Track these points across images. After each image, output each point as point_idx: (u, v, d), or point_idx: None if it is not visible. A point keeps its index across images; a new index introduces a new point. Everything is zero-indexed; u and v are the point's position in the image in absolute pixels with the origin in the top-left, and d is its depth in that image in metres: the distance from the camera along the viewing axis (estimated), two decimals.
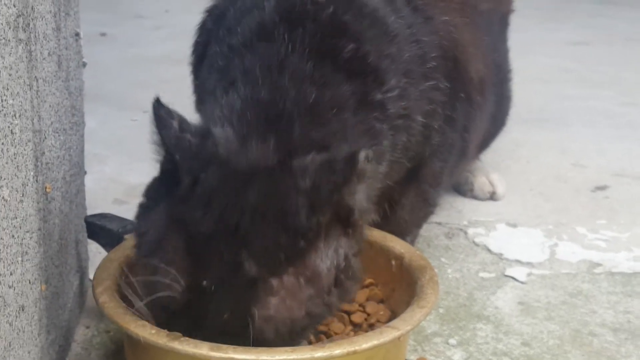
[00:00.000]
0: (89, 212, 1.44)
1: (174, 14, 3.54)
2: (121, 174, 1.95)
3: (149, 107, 2.42)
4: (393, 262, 1.27)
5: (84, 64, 1.34)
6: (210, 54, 1.36)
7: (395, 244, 1.29)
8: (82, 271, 1.37)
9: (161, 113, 1.09)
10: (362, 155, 1.01)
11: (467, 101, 1.45)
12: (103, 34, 3.16)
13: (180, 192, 1.04)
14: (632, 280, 1.57)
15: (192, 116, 1.23)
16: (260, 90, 1.12)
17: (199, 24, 1.52)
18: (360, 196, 1.05)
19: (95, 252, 1.46)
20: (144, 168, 1.95)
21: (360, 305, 1.25)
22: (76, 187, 1.31)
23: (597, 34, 3.64)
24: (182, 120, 1.08)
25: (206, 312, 0.98)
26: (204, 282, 0.97)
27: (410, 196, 1.44)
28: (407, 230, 1.46)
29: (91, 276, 1.43)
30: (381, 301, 1.27)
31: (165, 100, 2.32)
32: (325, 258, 1.02)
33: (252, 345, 0.97)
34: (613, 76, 2.99)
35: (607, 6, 4.25)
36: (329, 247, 1.03)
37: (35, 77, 1.00)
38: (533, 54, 2.98)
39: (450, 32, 1.42)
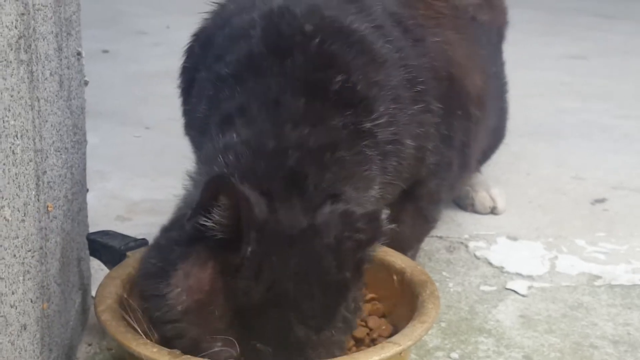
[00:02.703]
0: (91, 229, 1.45)
1: (175, 30, 3.55)
2: (123, 190, 1.96)
3: (150, 123, 2.46)
4: (394, 277, 1.28)
5: (86, 83, 1.35)
6: (198, 79, 1.38)
7: (396, 258, 1.30)
8: (84, 289, 1.37)
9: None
10: (383, 215, 1.07)
11: (465, 117, 1.46)
12: (105, 51, 3.18)
13: (234, 261, 1.02)
14: (632, 292, 1.57)
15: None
16: (261, 137, 1.14)
17: (187, 47, 1.52)
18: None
19: (97, 269, 1.47)
20: (146, 184, 1.99)
21: (362, 320, 1.25)
22: (78, 204, 1.32)
23: (592, 47, 3.65)
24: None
25: None
26: (258, 345, 1.00)
27: (409, 213, 1.45)
28: (408, 246, 1.47)
29: (93, 293, 1.44)
30: (383, 316, 1.28)
31: (165, 114, 2.34)
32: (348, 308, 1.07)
33: None
34: (608, 89, 3.01)
35: (602, 19, 4.27)
36: (352, 299, 1.08)
37: (37, 97, 1.01)
38: (529, 67, 2.99)
39: (444, 51, 1.43)
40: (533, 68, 3.11)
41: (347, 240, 1.06)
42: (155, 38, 3.42)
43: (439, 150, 1.40)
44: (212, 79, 1.28)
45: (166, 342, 1.04)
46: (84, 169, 1.37)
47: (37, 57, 1.00)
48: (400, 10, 1.42)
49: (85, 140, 1.37)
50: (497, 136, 1.86)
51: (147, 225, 1.77)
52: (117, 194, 1.94)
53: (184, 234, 1.07)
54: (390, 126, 1.25)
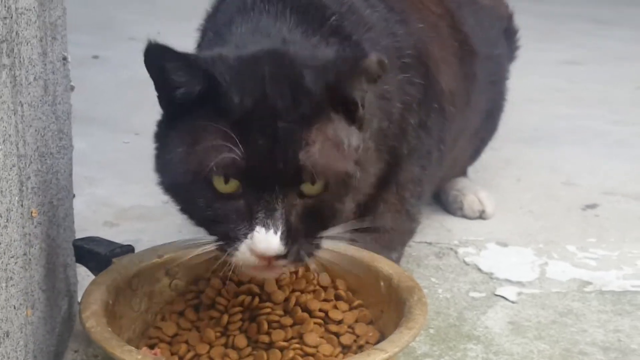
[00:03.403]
0: (79, 235, 1.44)
1: (165, 36, 3.49)
2: (112, 196, 1.95)
3: (140, 129, 2.45)
4: (382, 283, 1.27)
5: (72, 88, 1.34)
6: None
7: (384, 264, 1.29)
8: (70, 295, 1.37)
9: (159, 48, 1.13)
10: (374, 56, 1.11)
11: (440, 112, 1.51)
12: (95, 57, 3.17)
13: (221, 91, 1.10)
14: (622, 298, 1.57)
15: None
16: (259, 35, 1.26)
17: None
18: (368, 97, 1.18)
19: (85, 276, 1.46)
20: (136, 190, 1.98)
21: (349, 326, 1.24)
22: (64, 210, 1.31)
23: (588, 54, 3.66)
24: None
25: (264, 169, 1.07)
26: (259, 142, 1.06)
27: (392, 206, 1.45)
28: (391, 244, 1.47)
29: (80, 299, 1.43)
30: (370, 322, 1.27)
31: (155, 121, 2.34)
32: (340, 131, 1.12)
33: (307, 200, 1.09)
34: (603, 95, 3.01)
35: (598, 25, 4.27)
36: (340, 125, 1.13)
37: (20, 102, 1.00)
38: (525, 73, 2.95)
39: (424, 42, 1.49)
40: (529, 74, 3.09)
41: (332, 70, 1.12)
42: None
43: (418, 134, 1.46)
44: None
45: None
46: (70, 175, 1.36)
47: (20, 61, 0.99)
48: None
49: (72, 146, 1.36)
50: (489, 127, 1.91)
51: (135, 231, 1.77)
52: (106, 200, 1.93)
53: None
54: (382, 83, 1.29)
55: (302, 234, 1.10)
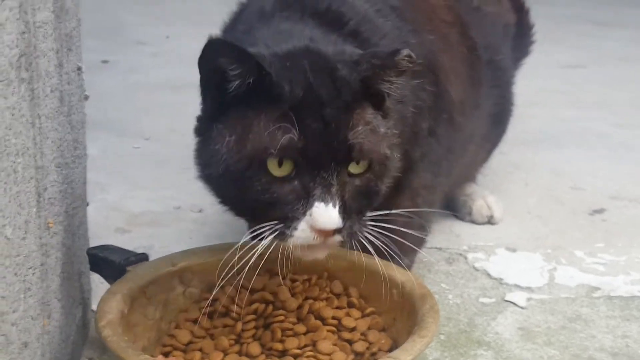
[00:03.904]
0: (91, 241, 1.45)
1: (174, 40, 3.57)
2: (123, 202, 1.96)
3: (150, 134, 2.47)
4: (394, 291, 1.28)
5: (86, 97, 1.35)
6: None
7: (396, 272, 1.30)
8: (84, 303, 1.38)
9: (219, 42, 1.19)
10: (405, 51, 1.19)
11: (450, 122, 1.53)
12: (105, 62, 3.18)
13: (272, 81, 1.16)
14: (630, 304, 1.58)
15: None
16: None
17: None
18: (395, 89, 1.24)
19: (98, 283, 1.47)
20: (146, 195, 1.99)
21: (362, 334, 1.25)
22: (79, 219, 1.32)
23: (590, 56, 3.66)
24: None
25: (320, 148, 1.14)
26: (312, 125, 1.14)
27: (404, 208, 1.46)
28: (403, 249, 1.48)
29: (94, 307, 1.44)
30: (383, 330, 1.28)
31: (165, 125, 2.35)
32: (373, 119, 1.21)
33: (355, 179, 1.18)
34: (605, 98, 3.02)
35: (599, 27, 4.28)
36: (372, 113, 1.22)
37: (38, 114, 1.01)
38: (528, 77, 2.96)
39: (434, 52, 1.51)
40: (532, 77, 3.09)
41: (367, 64, 1.20)
42: (155, 48, 3.43)
43: (429, 141, 1.49)
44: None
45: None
46: (84, 183, 1.38)
47: (37, 74, 1.01)
48: (399, 4, 1.51)
49: (86, 155, 1.37)
50: (498, 130, 1.93)
51: (147, 237, 1.78)
52: (117, 205, 1.94)
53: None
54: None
55: (354, 209, 1.18)
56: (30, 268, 0.98)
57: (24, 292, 0.94)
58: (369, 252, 1.23)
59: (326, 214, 1.13)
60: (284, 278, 1.30)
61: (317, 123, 1.15)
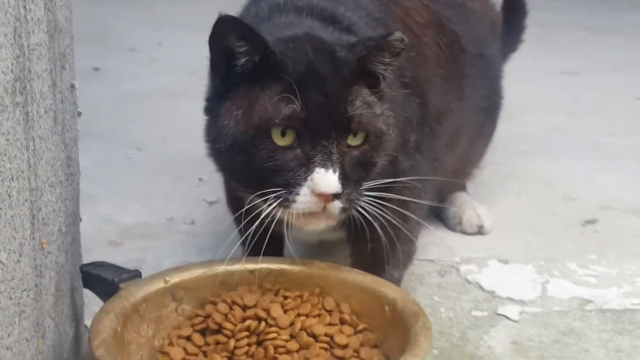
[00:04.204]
0: (84, 254, 1.45)
1: (166, 47, 3.56)
2: (116, 214, 1.96)
3: (142, 144, 2.46)
4: (386, 308, 1.28)
5: (79, 114, 1.35)
6: None
7: (388, 289, 1.31)
8: (77, 319, 1.38)
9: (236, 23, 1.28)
10: (398, 33, 1.30)
11: (431, 133, 1.57)
12: (96, 69, 3.17)
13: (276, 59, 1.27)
14: (622, 317, 1.58)
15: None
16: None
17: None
18: (388, 71, 1.34)
19: (91, 298, 1.46)
20: (138, 207, 1.99)
21: (354, 351, 1.26)
22: (72, 235, 1.32)
23: (584, 63, 3.66)
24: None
25: (321, 118, 1.24)
26: (314, 97, 1.24)
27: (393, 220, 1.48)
28: (393, 261, 1.48)
29: (87, 322, 1.44)
30: (375, 346, 1.28)
31: (157, 134, 2.34)
32: (369, 97, 1.31)
33: (353, 150, 1.28)
34: (599, 106, 3.02)
35: (595, 34, 4.28)
36: (368, 92, 1.31)
37: (32, 136, 1.02)
38: (521, 83, 2.97)
39: (416, 65, 1.55)
40: (525, 84, 3.11)
41: (362, 46, 1.30)
42: (147, 55, 3.42)
43: (415, 155, 1.52)
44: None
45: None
46: (77, 199, 1.37)
47: (32, 97, 1.01)
48: (382, 15, 1.57)
49: (79, 171, 1.37)
50: (489, 124, 1.96)
51: (139, 250, 1.78)
52: (109, 218, 1.94)
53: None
54: (389, 87, 1.41)
55: (352, 178, 1.27)
56: (25, 290, 0.98)
57: (18, 315, 0.94)
58: (362, 229, 1.32)
59: (326, 178, 1.23)
60: (276, 294, 1.31)
61: (318, 96, 1.25)
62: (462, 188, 1.99)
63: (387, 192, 1.36)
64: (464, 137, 1.82)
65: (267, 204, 1.26)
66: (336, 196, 1.24)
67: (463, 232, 1.91)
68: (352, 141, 1.28)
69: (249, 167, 1.27)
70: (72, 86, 1.29)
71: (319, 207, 1.25)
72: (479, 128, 1.90)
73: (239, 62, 1.27)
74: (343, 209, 1.27)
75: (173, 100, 2.74)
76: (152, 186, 2.12)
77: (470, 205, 1.94)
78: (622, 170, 2.35)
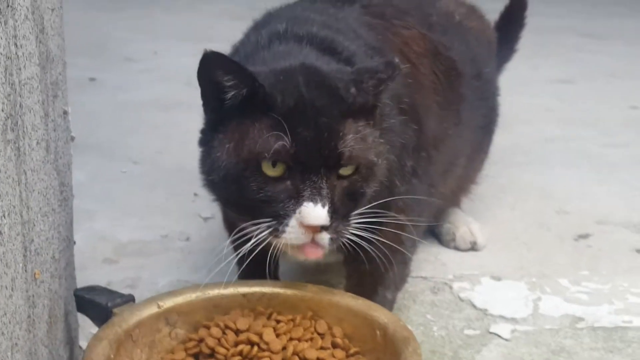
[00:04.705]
0: (78, 272, 1.45)
1: (162, 56, 3.57)
2: (111, 230, 1.97)
3: (138, 157, 2.47)
4: (378, 332, 1.29)
5: (72, 138, 1.36)
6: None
7: (380, 313, 1.32)
8: (72, 342, 1.38)
9: (215, 55, 1.27)
10: (394, 60, 1.34)
11: (428, 159, 1.59)
12: (92, 79, 3.18)
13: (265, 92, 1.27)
14: (613, 335, 1.59)
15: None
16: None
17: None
18: (384, 99, 1.37)
19: (86, 319, 1.47)
20: (134, 224, 2.00)
21: None
22: (65, 260, 1.33)
23: (580, 71, 3.68)
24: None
25: (310, 155, 1.25)
26: (304, 133, 1.25)
27: (388, 243, 1.49)
28: (386, 283, 1.49)
29: (82, 343, 1.45)
30: None
31: (153, 148, 2.35)
32: (363, 128, 1.31)
33: (343, 181, 1.29)
34: (595, 115, 3.03)
35: (590, 40, 4.29)
36: (363, 123, 1.32)
37: (24, 170, 1.02)
38: (517, 93, 2.98)
39: (413, 92, 1.57)
40: (521, 93, 3.13)
41: (369, 79, 1.31)
42: (143, 64, 3.43)
43: (413, 182, 1.54)
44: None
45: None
46: (71, 223, 1.38)
47: (23, 131, 1.02)
48: (379, 44, 1.58)
49: (72, 195, 1.38)
50: (486, 137, 1.97)
51: (134, 268, 1.79)
52: (104, 234, 1.95)
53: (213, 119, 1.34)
54: (387, 117, 1.44)
55: (341, 212, 1.28)
56: (17, 323, 0.99)
57: (10, 349, 0.95)
58: (357, 251, 1.35)
59: (314, 212, 1.24)
60: (269, 317, 1.33)
61: (308, 131, 1.25)
62: (456, 204, 2.00)
63: (381, 216, 1.38)
64: (462, 159, 1.84)
65: (258, 232, 1.28)
66: (324, 228, 1.26)
67: (457, 248, 1.92)
68: (343, 171, 1.29)
69: (241, 198, 1.29)
70: (65, 112, 1.30)
71: (308, 238, 1.27)
72: (476, 146, 1.91)
73: (227, 96, 1.28)
74: (332, 240, 1.28)
75: (169, 111, 2.75)
76: (148, 201, 2.13)
77: (463, 221, 1.95)
78: (617, 182, 2.37)
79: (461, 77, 1.75)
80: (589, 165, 2.51)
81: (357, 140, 1.29)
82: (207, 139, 1.34)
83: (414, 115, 1.53)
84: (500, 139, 2.05)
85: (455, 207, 1.99)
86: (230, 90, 1.28)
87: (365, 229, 1.32)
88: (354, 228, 1.31)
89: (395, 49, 1.61)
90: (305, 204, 1.25)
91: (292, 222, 1.26)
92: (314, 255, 1.30)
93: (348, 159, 1.27)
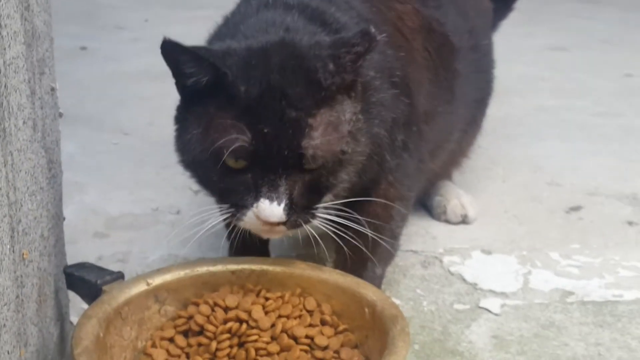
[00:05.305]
0: (69, 246, 1.45)
1: (153, 24, 3.54)
2: (101, 204, 1.96)
3: (128, 128, 2.47)
4: (366, 310, 1.29)
5: (61, 115, 1.35)
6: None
7: (368, 290, 1.32)
8: (62, 318, 1.38)
9: (172, 43, 1.26)
10: (372, 29, 1.28)
11: (419, 134, 1.57)
12: (83, 48, 3.16)
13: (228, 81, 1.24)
14: (603, 309, 1.60)
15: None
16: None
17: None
18: (365, 69, 1.34)
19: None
20: (124, 197, 2.00)
21: (334, 352, 1.27)
22: (55, 237, 1.32)
23: (574, 38, 3.66)
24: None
25: (270, 153, 1.23)
26: (265, 130, 1.22)
27: (378, 217, 1.49)
28: (375, 258, 1.49)
29: (72, 318, 1.46)
30: (356, 347, 1.30)
31: (144, 119, 2.34)
32: (342, 112, 1.29)
33: (306, 175, 1.26)
34: (588, 84, 3.03)
35: (585, 6, 4.27)
36: (343, 104, 1.29)
37: (10, 151, 1.02)
38: (510, 62, 2.95)
39: (405, 65, 1.55)
40: (514, 62, 3.11)
41: (346, 53, 1.26)
42: (134, 33, 3.41)
43: (402, 154, 1.53)
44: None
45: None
46: (60, 199, 1.37)
47: (9, 112, 1.01)
48: (372, 16, 1.56)
49: (61, 172, 1.37)
50: (481, 111, 1.97)
51: (124, 242, 1.79)
52: (95, 207, 1.94)
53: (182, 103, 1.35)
54: (377, 92, 1.42)
55: (301, 206, 1.27)
56: (5, 304, 0.99)
57: None
58: (356, 221, 1.36)
59: (270, 210, 1.24)
60: (257, 294, 1.33)
61: (270, 127, 1.23)
62: (448, 176, 2.00)
63: (368, 195, 1.38)
64: (455, 134, 1.83)
65: (222, 213, 1.32)
66: (281, 222, 1.26)
67: (447, 221, 1.92)
68: (308, 166, 1.26)
69: (208, 183, 1.34)
70: (52, 89, 1.29)
71: (265, 229, 1.29)
72: (470, 120, 1.90)
73: (189, 82, 1.28)
74: (293, 227, 1.29)
75: (159, 82, 2.70)
76: (139, 174, 2.13)
77: (454, 194, 1.94)
78: (609, 153, 2.37)
79: (455, 53, 1.73)
80: (582, 135, 2.51)
81: (328, 131, 1.26)
82: (181, 117, 1.35)
83: (405, 89, 1.51)
84: (493, 110, 2.04)
85: (446, 180, 1.99)
86: (192, 77, 1.27)
87: (338, 215, 1.33)
88: (321, 216, 1.31)
89: (389, 22, 1.59)
90: (262, 199, 1.25)
91: (250, 214, 1.27)
92: (274, 236, 1.35)
93: (311, 159, 1.25)
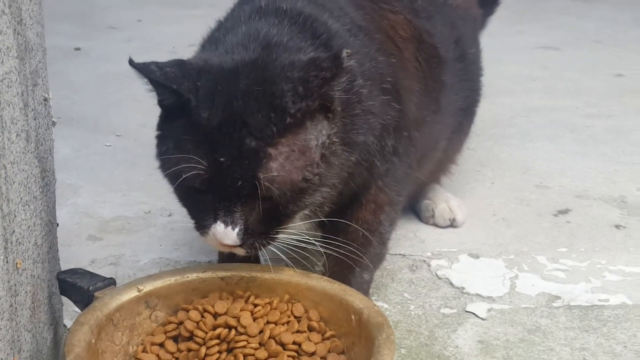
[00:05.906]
0: (63, 249, 1.47)
1: (146, 24, 3.55)
2: (94, 206, 1.99)
3: (122, 130, 2.48)
4: (353, 317, 1.32)
5: (54, 123, 1.37)
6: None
7: (355, 298, 1.34)
8: (56, 322, 1.40)
9: (140, 67, 1.29)
10: (344, 53, 1.26)
11: (408, 139, 1.59)
12: (77, 49, 3.17)
13: (191, 106, 1.26)
14: (589, 313, 1.62)
15: None
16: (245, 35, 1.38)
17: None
18: (339, 88, 1.30)
19: None
20: (117, 199, 2.02)
21: (322, 357, 1.29)
22: (48, 243, 1.34)
23: (565, 36, 3.68)
24: (156, 63, 1.30)
25: (225, 182, 1.24)
26: (221, 159, 1.22)
27: (367, 222, 1.52)
28: (364, 263, 1.51)
29: (65, 322, 1.48)
30: (342, 352, 1.32)
31: (136, 121, 2.37)
32: (312, 136, 1.28)
33: (261, 205, 1.25)
34: (579, 84, 3.05)
35: (577, 3, 4.28)
36: (314, 128, 1.28)
37: (3, 164, 1.04)
38: (501, 62, 3.01)
39: (397, 72, 1.57)
40: (505, 61, 3.14)
41: (314, 77, 1.25)
42: (127, 33, 3.42)
43: (392, 159, 1.54)
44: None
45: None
46: (54, 206, 1.39)
47: (2, 127, 1.03)
48: (366, 24, 1.57)
49: (54, 179, 1.39)
50: (468, 119, 1.99)
51: (117, 245, 1.81)
52: (88, 210, 1.97)
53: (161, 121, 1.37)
54: (368, 100, 1.43)
55: (257, 231, 1.29)
56: None
57: None
58: (345, 226, 1.44)
59: (224, 233, 1.27)
60: (246, 301, 1.35)
61: (227, 156, 1.23)
62: (436, 180, 2.02)
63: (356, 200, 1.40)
64: (441, 143, 1.85)
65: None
66: (237, 245, 1.29)
67: (436, 225, 1.95)
68: (263, 195, 1.26)
69: (177, 196, 1.36)
70: (45, 99, 1.30)
71: (224, 249, 1.33)
72: (457, 128, 1.92)
73: (159, 100, 1.33)
74: (250, 249, 1.32)
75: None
76: (131, 176, 2.15)
77: (443, 197, 1.97)
78: (598, 155, 2.39)
79: (443, 64, 1.75)
80: (572, 137, 2.53)
81: (291, 160, 1.26)
82: (161, 126, 1.37)
83: (396, 95, 1.53)
84: (481, 111, 2.06)
85: (434, 183, 2.01)
86: (160, 96, 1.32)
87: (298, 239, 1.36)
88: (278, 239, 1.34)
89: (382, 30, 1.61)
90: (218, 222, 1.27)
91: (209, 233, 1.29)
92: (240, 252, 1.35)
93: (266, 190, 1.24)
